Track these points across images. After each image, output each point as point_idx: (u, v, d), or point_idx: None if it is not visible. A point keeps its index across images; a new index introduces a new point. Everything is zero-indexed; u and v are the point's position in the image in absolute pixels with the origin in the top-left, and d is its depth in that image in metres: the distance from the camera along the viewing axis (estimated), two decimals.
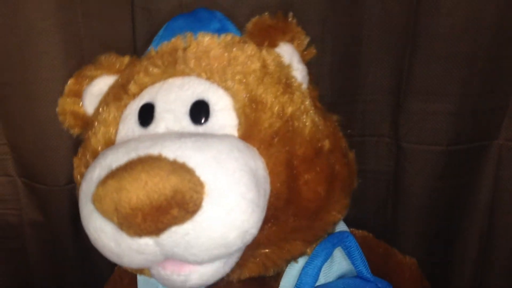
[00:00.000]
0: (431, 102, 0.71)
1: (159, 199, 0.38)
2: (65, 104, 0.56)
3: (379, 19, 0.70)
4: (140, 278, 0.58)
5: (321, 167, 0.49)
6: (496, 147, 0.75)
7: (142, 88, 0.50)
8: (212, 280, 0.45)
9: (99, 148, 0.50)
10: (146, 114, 0.48)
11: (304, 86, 0.53)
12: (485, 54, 0.68)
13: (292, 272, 0.52)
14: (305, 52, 0.55)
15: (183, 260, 0.43)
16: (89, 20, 0.70)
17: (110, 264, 0.85)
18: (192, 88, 0.48)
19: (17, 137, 0.76)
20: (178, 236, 0.40)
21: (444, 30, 0.67)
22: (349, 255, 0.53)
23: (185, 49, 0.50)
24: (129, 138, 0.48)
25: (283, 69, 0.52)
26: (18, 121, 0.74)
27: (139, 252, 0.41)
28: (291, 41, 0.54)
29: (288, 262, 0.52)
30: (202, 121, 0.48)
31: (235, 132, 0.47)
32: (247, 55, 0.50)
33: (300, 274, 0.51)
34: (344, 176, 0.52)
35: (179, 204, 0.38)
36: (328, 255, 0.52)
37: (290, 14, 0.55)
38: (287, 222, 0.47)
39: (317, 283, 0.51)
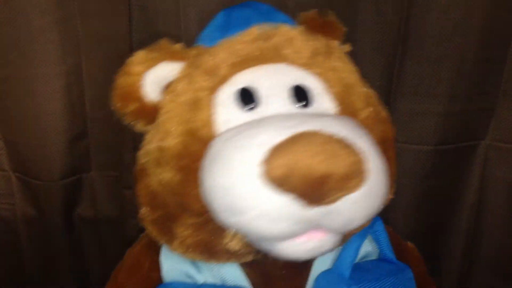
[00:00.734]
0: (420, 102, 0.73)
1: (340, 170, 0.39)
2: (124, 84, 0.52)
3: (373, 21, 0.71)
4: (165, 263, 0.55)
5: (392, 150, 0.53)
6: (483, 147, 0.77)
7: (233, 73, 0.50)
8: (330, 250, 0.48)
9: (197, 131, 0.48)
10: (247, 98, 0.49)
11: None
12: (473, 57, 0.70)
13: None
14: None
15: (328, 229, 0.44)
16: (86, 17, 0.70)
17: (101, 260, 0.86)
18: (289, 74, 0.50)
19: (12, 132, 0.77)
20: (346, 205, 0.41)
21: (434, 32, 0.69)
22: (376, 238, 0.56)
23: (270, 38, 0.52)
24: (233, 121, 0.48)
25: None
26: (14, 116, 0.75)
27: (299, 221, 0.42)
28: (338, 38, 0.57)
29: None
30: (307, 104, 0.49)
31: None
32: (325, 44, 0.54)
33: (341, 252, 0.53)
34: (395, 160, 0.55)
35: (355, 175, 0.40)
36: (366, 236, 0.55)
37: (331, 12, 0.58)
38: None
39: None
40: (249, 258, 0.50)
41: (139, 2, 0.70)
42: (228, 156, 0.44)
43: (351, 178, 0.40)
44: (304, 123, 0.43)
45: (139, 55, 0.52)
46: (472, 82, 0.72)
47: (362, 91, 0.53)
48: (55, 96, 0.72)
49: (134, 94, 0.51)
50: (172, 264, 0.55)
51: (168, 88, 0.52)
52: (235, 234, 0.47)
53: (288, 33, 0.53)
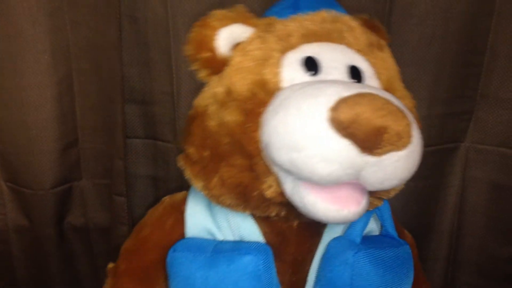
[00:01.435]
0: None
1: (397, 127, 0.44)
2: (201, 34, 0.57)
3: None
4: (189, 220, 0.61)
5: None
6: (464, 149, 0.80)
7: (301, 42, 0.55)
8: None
9: (266, 83, 0.53)
10: (311, 65, 0.54)
11: None
12: (452, 61, 0.73)
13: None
14: None
15: (366, 184, 0.49)
16: (77, 27, 0.72)
17: (93, 269, 0.86)
18: (347, 55, 0.56)
19: (3, 142, 0.77)
20: (390, 161, 0.46)
21: (413, 38, 0.72)
22: (381, 216, 0.61)
23: (335, 22, 0.58)
24: (297, 80, 0.53)
25: None
26: (5, 126, 0.75)
27: (349, 167, 0.46)
28: (384, 40, 0.62)
29: None
30: (359, 82, 0.55)
31: None
32: (378, 40, 0.60)
33: (352, 223, 0.58)
34: None
35: (406, 134, 0.45)
36: (373, 211, 0.60)
37: (376, 19, 0.64)
38: None
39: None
40: (273, 212, 0.55)
41: (129, 12, 0.71)
42: (297, 101, 0.48)
43: (402, 136, 0.45)
44: (366, 88, 0.48)
45: (219, 12, 0.57)
46: (451, 86, 0.75)
47: (402, 88, 0.59)
48: (46, 105, 0.73)
49: (208, 45, 0.56)
50: (195, 221, 0.60)
51: (238, 46, 0.56)
52: (275, 181, 0.52)
53: (350, 22, 0.59)
